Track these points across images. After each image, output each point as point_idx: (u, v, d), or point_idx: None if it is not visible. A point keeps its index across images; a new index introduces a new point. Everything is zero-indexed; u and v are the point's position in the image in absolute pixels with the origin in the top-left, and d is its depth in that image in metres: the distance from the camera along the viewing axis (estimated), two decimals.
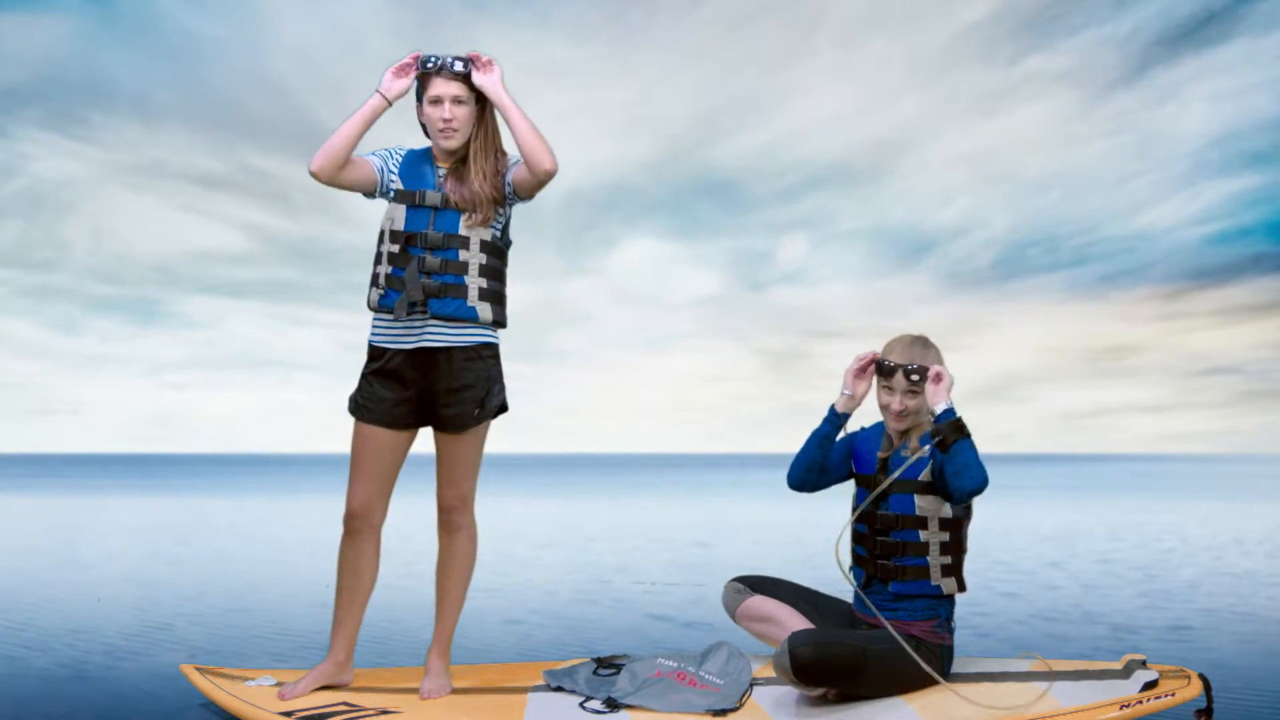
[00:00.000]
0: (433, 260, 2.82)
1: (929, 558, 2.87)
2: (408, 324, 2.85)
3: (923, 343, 2.97)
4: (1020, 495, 16.76)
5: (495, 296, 2.90)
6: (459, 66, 2.82)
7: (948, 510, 2.87)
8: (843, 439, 3.07)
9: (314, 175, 2.79)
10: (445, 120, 2.82)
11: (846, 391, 3.02)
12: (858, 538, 3.01)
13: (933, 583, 2.86)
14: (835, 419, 3.04)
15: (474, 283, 2.84)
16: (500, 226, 2.93)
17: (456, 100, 2.82)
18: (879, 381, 2.97)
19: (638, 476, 29.97)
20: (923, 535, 2.87)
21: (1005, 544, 8.04)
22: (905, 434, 2.97)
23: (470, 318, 2.85)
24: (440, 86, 2.82)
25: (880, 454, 2.99)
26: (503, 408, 2.98)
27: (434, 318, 2.83)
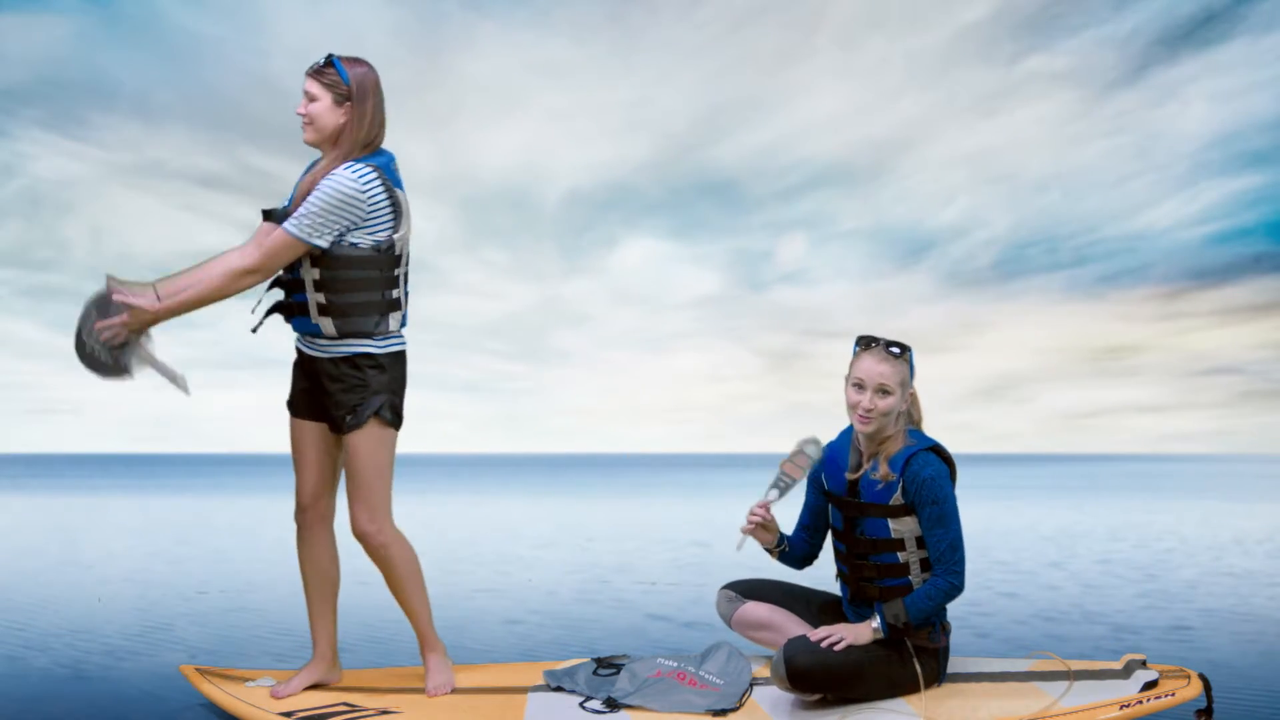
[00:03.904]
0: (284, 278, 2.85)
1: (910, 577, 2.83)
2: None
3: (896, 351, 2.83)
4: (1020, 495, 16.76)
5: (338, 309, 2.82)
6: (320, 64, 2.80)
7: None
8: (813, 473, 3.03)
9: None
10: (300, 114, 2.81)
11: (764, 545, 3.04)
12: (839, 555, 2.99)
13: None
14: (772, 551, 3.06)
15: (312, 299, 2.82)
16: (338, 235, 2.78)
17: (308, 96, 2.80)
18: (849, 380, 2.86)
19: (638, 476, 29.97)
20: (901, 556, 2.83)
21: (1005, 544, 8.05)
22: (876, 450, 2.86)
23: (316, 333, 2.86)
24: (305, 84, 2.82)
25: (849, 475, 2.90)
26: (386, 420, 2.88)
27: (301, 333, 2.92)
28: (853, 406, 2.84)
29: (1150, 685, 2.73)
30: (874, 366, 2.81)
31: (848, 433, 2.98)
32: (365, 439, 2.86)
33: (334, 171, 2.77)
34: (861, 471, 2.88)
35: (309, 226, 2.74)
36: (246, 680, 3.01)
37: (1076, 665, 2.98)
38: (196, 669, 3.06)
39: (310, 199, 2.75)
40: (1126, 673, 2.84)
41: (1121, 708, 2.57)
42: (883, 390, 2.79)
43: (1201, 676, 2.75)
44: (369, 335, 2.85)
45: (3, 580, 6.01)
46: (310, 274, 2.81)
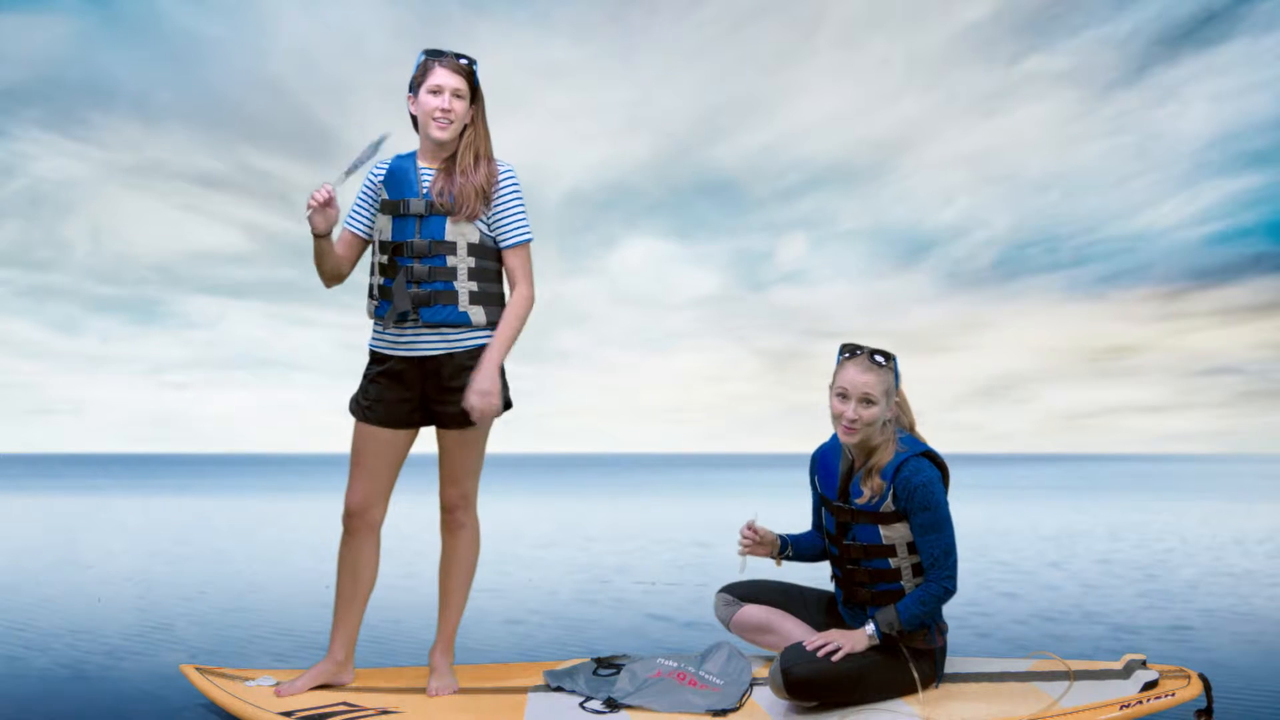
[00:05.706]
0: (420, 268, 2.82)
1: (902, 582, 2.84)
2: (400, 330, 2.86)
3: (880, 360, 2.80)
4: (1020, 495, 16.76)
5: (488, 298, 2.88)
6: (463, 61, 2.83)
7: None
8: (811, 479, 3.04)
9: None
10: (443, 110, 2.81)
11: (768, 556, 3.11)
12: (832, 558, 2.99)
13: None
14: (776, 559, 3.12)
15: (464, 287, 2.84)
16: (488, 226, 2.89)
17: (456, 93, 2.82)
18: (832, 390, 2.84)
19: (638, 476, 29.97)
20: (893, 562, 2.83)
21: (1005, 544, 8.04)
22: (867, 462, 2.84)
23: (462, 323, 2.85)
24: (442, 76, 2.81)
25: (841, 482, 2.90)
26: (507, 404, 2.98)
27: (425, 325, 2.84)
28: (837, 417, 2.82)
29: (1150, 685, 2.73)
30: (858, 376, 2.78)
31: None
32: (485, 428, 2.96)
33: (503, 171, 2.88)
34: (852, 476, 2.88)
35: (530, 228, 2.91)
36: (247, 680, 3.01)
37: (1076, 665, 2.98)
38: (196, 668, 3.06)
39: (512, 204, 2.87)
40: (1126, 673, 2.84)
41: (1122, 708, 2.57)
42: (867, 400, 2.77)
43: (1201, 676, 2.75)
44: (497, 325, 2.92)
45: (3, 580, 6.01)
46: (465, 262, 2.83)
